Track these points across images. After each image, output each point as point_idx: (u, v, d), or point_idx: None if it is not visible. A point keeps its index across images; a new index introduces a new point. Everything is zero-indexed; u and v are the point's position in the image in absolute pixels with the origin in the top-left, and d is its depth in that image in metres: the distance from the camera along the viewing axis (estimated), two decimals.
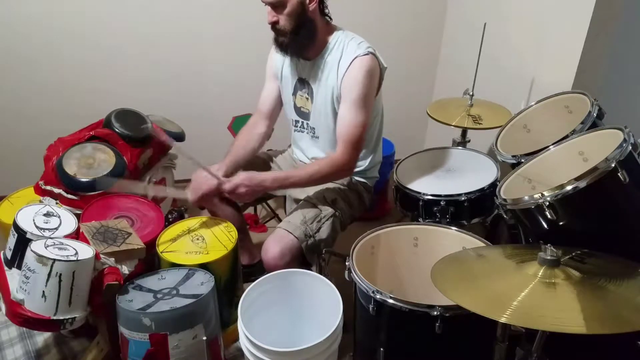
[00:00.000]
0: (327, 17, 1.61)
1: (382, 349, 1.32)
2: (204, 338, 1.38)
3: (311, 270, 1.49)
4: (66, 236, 1.47)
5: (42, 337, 1.70)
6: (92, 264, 1.36)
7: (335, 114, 1.62)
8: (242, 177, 1.54)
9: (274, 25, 1.53)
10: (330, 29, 1.62)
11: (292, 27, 1.51)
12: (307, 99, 1.69)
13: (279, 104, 1.80)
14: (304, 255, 1.57)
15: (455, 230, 1.51)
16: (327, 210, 1.64)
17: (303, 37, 1.54)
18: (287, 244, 1.53)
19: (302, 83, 1.68)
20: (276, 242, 1.53)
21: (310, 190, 1.70)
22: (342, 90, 1.56)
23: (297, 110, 1.74)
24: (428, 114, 2.17)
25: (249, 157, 1.77)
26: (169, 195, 1.56)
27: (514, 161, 1.61)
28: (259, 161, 1.87)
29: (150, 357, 1.32)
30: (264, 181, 1.55)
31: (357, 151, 1.59)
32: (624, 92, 2.16)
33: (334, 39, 1.60)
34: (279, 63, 1.72)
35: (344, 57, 1.56)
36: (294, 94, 1.72)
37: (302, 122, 1.75)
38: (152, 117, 2.02)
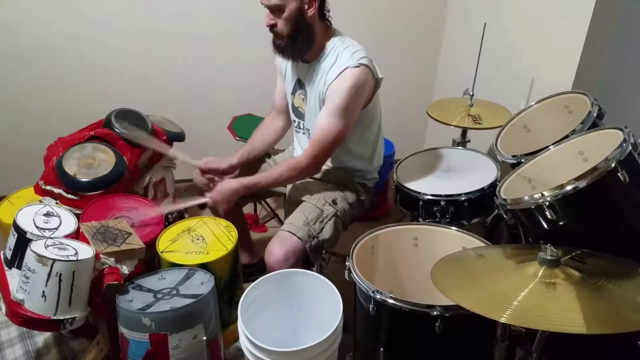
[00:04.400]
0: (327, 22, 1.61)
1: (382, 349, 1.31)
2: (204, 338, 1.38)
3: (312, 270, 1.49)
4: (66, 236, 1.47)
5: (42, 337, 1.70)
6: (92, 264, 1.36)
7: None
8: (214, 193, 1.65)
9: (271, 28, 1.53)
10: (329, 33, 1.61)
11: (289, 32, 1.51)
12: (303, 100, 1.69)
13: None
14: (308, 256, 1.57)
15: (455, 230, 1.51)
16: (329, 210, 1.64)
17: (300, 42, 1.54)
18: (292, 246, 1.52)
19: (300, 84, 1.68)
20: (280, 244, 1.53)
21: (310, 191, 1.70)
22: (327, 96, 1.56)
23: (295, 110, 1.75)
24: (428, 114, 2.17)
25: (264, 150, 1.87)
26: (187, 205, 1.76)
27: (514, 161, 1.61)
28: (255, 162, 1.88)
29: (150, 357, 1.32)
30: (237, 190, 1.63)
31: (324, 155, 1.60)
32: (624, 92, 2.16)
33: (331, 45, 1.59)
34: (283, 62, 1.73)
35: (336, 65, 1.54)
36: (293, 93, 1.72)
37: (299, 122, 1.76)
38: (152, 117, 2.02)
